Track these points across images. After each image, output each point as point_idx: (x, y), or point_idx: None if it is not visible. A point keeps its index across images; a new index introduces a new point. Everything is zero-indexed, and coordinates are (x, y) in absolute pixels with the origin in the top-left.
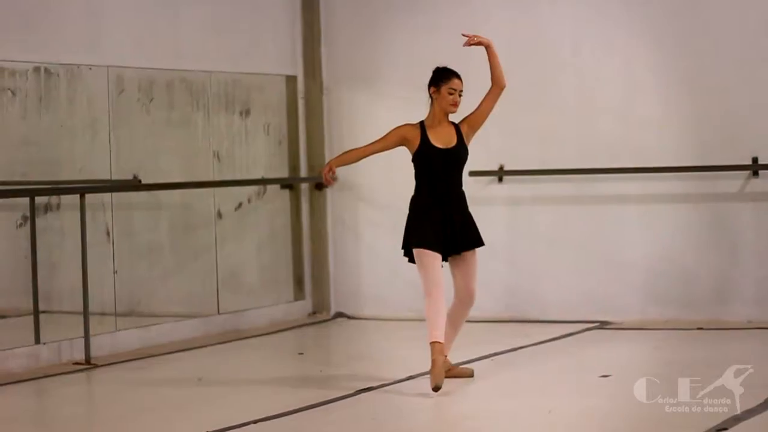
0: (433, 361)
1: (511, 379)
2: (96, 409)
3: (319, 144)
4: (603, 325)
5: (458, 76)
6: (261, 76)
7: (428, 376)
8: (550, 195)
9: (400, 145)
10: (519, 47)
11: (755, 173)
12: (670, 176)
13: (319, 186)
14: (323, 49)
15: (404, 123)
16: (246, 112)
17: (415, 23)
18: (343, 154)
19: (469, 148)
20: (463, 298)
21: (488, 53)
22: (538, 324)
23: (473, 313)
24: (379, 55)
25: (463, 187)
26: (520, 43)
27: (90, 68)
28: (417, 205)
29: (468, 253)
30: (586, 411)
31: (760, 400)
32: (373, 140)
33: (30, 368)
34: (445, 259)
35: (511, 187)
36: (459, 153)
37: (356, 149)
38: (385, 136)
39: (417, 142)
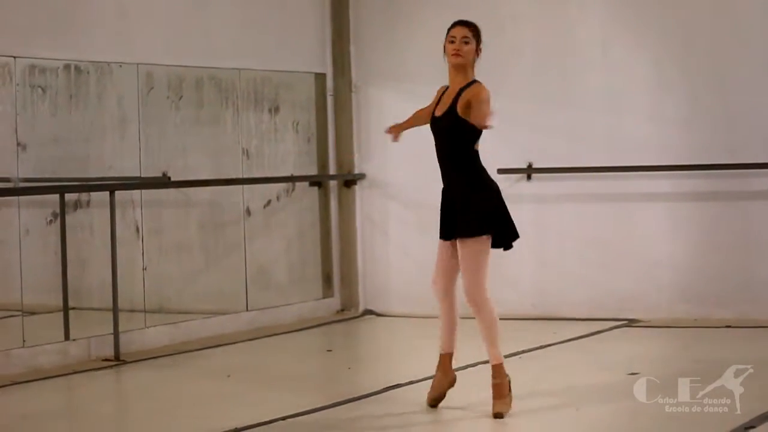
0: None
1: (539, 377)
2: (125, 405)
3: (347, 141)
4: (631, 323)
5: (461, 23)
6: (290, 74)
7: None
8: (579, 193)
9: None
10: (548, 45)
11: None
12: (699, 174)
13: (348, 183)
14: (352, 47)
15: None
16: (275, 110)
17: (444, 20)
18: (411, 118)
19: (498, 145)
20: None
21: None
22: (565, 321)
23: (500, 309)
24: (408, 53)
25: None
26: (548, 40)
27: (120, 66)
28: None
29: (458, 243)
30: (614, 409)
31: None
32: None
33: (59, 364)
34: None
35: (539, 185)
36: (441, 122)
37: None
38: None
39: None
